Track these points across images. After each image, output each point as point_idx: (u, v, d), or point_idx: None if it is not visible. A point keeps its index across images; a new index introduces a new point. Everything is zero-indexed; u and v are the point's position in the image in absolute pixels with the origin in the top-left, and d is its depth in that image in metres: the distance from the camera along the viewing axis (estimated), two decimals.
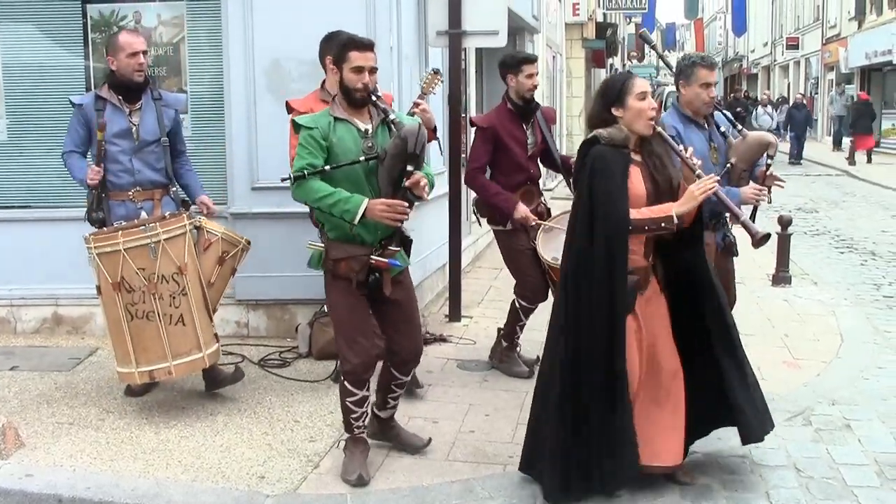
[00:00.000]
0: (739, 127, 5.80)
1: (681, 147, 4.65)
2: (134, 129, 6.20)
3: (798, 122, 29.93)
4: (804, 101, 31.83)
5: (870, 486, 5.09)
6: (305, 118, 4.99)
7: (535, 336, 7.60)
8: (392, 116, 4.88)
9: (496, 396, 6.45)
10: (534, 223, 6.70)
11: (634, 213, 4.58)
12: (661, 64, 69.81)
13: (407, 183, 4.74)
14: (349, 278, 4.90)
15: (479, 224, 7.70)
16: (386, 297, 4.98)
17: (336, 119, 4.91)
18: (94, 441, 5.58)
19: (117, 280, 5.67)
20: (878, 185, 22.58)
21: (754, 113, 30.28)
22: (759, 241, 4.62)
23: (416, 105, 6.12)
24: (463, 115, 7.04)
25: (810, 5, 45.93)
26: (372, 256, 4.87)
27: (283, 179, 4.88)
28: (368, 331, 4.98)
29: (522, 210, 6.68)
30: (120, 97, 6.19)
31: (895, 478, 5.18)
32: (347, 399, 5.04)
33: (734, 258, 5.96)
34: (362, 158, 4.81)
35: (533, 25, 15.13)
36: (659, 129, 4.67)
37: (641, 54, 54.49)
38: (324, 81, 6.33)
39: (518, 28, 13.92)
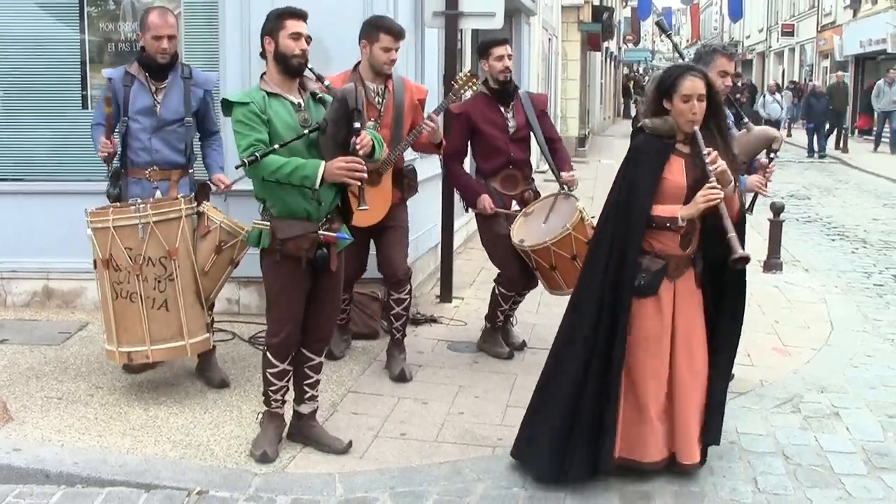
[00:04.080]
0: (745, 120, 5.81)
1: (706, 151, 4.63)
2: (157, 107, 6.11)
3: (817, 112, 27.52)
4: (823, 90, 29.60)
5: (857, 474, 5.11)
6: (237, 94, 4.95)
7: (526, 318, 7.64)
8: (319, 94, 4.91)
9: (486, 378, 6.45)
10: (492, 211, 6.67)
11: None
12: (658, 49, 69.64)
13: (356, 140, 4.70)
14: (299, 258, 4.86)
15: (466, 210, 7.71)
16: (328, 272, 4.96)
17: (269, 94, 4.86)
18: (82, 416, 5.57)
19: (106, 257, 5.63)
20: (870, 173, 22.59)
21: (762, 101, 29.04)
22: (736, 260, 4.56)
23: (431, 119, 6.29)
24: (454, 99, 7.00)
25: None
26: (320, 231, 4.85)
27: (238, 167, 4.80)
28: (301, 308, 4.99)
29: (483, 201, 6.68)
30: (147, 74, 6.11)
31: (882, 466, 5.21)
32: (269, 370, 5.06)
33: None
34: (306, 132, 4.77)
35: (529, 7, 15.09)
36: (695, 129, 4.65)
37: (637, 38, 54.39)
38: (358, 63, 6.35)
39: (514, 10, 13.88)
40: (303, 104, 4.90)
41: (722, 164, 4.63)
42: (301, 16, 4.93)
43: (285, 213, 4.86)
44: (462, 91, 6.57)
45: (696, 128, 4.66)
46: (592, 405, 4.73)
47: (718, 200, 4.57)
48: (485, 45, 6.87)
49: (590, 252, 5.02)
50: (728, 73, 5.69)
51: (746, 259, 4.57)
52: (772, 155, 5.67)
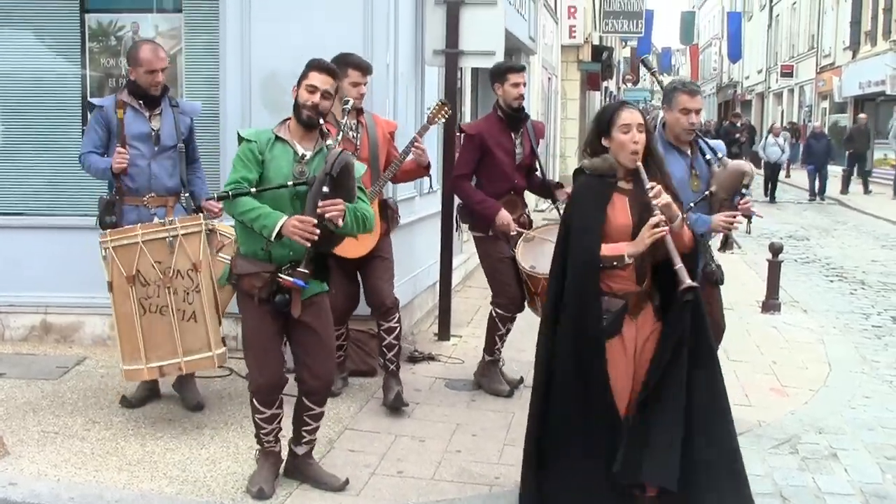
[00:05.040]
0: (720, 155, 5.77)
1: (650, 185, 4.56)
2: (154, 133, 6.19)
3: (817, 153, 26.89)
4: (823, 131, 29.45)
5: None
6: (249, 131, 5.00)
7: (524, 357, 7.62)
8: (330, 146, 4.81)
9: (484, 416, 6.44)
10: (514, 232, 6.73)
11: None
12: (657, 88, 70.14)
13: (319, 205, 4.63)
14: (252, 295, 4.88)
15: (459, 230, 7.71)
16: (297, 320, 4.92)
17: (277, 138, 4.89)
18: (79, 451, 5.55)
19: (132, 273, 5.70)
20: (869, 214, 22.64)
21: (763, 142, 28.39)
22: (684, 290, 4.48)
23: (416, 142, 6.39)
24: (458, 133, 7.06)
25: (805, 34, 46.20)
26: (279, 275, 4.80)
27: (208, 198, 4.79)
28: (277, 351, 5.00)
29: (504, 217, 6.70)
30: (140, 102, 6.19)
31: None
32: (256, 416, 5.08)
33: (720, 286, 5.88)
34: (290, 183, 4.75)
35: (529, 47, 15.19)
36: (638, 164, 4.55)
37: (636, 78, 54.66)
38: None
39: (514, 49, 13.97)
40: (307, 156, 4.87)
41: (666, 198, 4.49)
42: (326, 70, 4.93)
43: (249, 253, 4.89)
44: (436, 120, 6.60)
45: (639, 162, 4.55)
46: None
47: (664, 234, 4.46)
48: (502, 70, 6.89)
49: (546, 307, 4.85)
50: (690, 111, 5.60)
51: (694, 288, 4.46)
52: (743, 191, 5.63)
